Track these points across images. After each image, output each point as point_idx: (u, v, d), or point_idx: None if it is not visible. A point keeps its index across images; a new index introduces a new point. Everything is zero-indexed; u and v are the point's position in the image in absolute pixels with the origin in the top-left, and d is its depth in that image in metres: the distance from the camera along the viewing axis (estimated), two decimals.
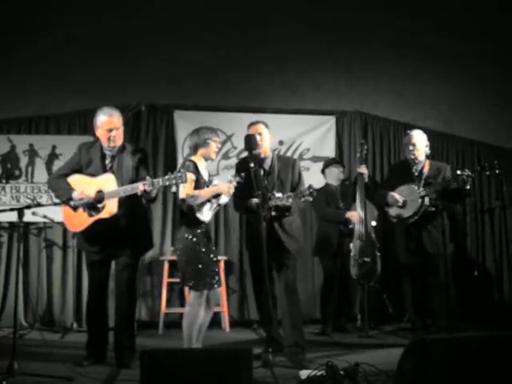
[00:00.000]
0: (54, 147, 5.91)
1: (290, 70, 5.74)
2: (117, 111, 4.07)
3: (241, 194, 4.22)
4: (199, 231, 3.91)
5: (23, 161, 5.89)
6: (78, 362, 4.03)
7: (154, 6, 4.97)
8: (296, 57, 5.56)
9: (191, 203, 3.85)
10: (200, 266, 3.86)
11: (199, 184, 3.93)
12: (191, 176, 3.86)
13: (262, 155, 4.34)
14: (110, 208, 3.88)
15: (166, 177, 3.71)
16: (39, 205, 4.92)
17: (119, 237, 3.99)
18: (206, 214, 3.92)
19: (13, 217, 3.84)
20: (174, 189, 4.01)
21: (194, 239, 3.89)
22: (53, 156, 5.89)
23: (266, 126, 4.40)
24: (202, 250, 3.88)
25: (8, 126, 6.06)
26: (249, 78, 5.87)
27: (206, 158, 4.09)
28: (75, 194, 3.95)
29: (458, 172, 4.61)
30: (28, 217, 4.66)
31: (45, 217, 5.31)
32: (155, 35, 5.22)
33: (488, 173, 4.63)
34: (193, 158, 4.04)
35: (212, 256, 3.95)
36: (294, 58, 5.58)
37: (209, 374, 2.89)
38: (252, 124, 4.40)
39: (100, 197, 3.88)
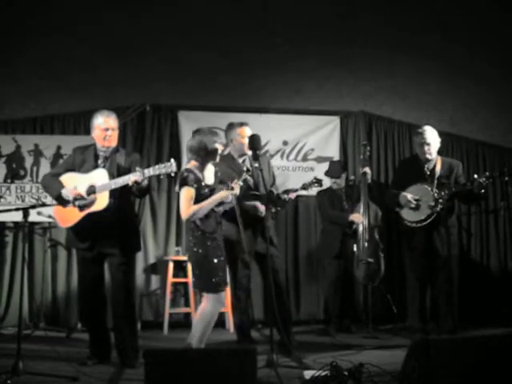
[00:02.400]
0: (58, 147, 5.92)
1: (291, 70, 5.74)
2: (113, 114, 4.15)
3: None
4: (205, 237, 3.82)
5: (28, 161, 5.91)
6: (83, 362, 4.05)
7: (156, 7, 4.97)
8: (297, 57, 5.55)
9: (195, 219, 3.77)
10: (210, 269, 3.79)
11: (201, 193, 3.79)
12: (190, 191, 3.73)
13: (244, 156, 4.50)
14: (101, 201, 3.91)
15: (156, 166, 3.78)
16: (44, 205, 4.93)
17: (109, 233, 3.99)
18: (209, 225, 3.83)
19: (18, 217, 3.85)
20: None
21: (200, 245, 3.79)
22: (58, 156, 5.91)
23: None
24: (211, 253, 3.81)
25: (13, 126, 6.09)
26: (251, 78, 5.87)
27: (215, 160, 3.99)
28: (64, 191, 3.98)
29: (475, 176, 4.53)
30: (33, 217, 4.66)
31: (50, 216, 5.31)
32: (159, 35, 5.23)
33: (507, 178, 4.54)
34: (190, 165, 3.87)
35: (219, 259, 3.89)
36: (295, 58, 5.57)
37: (213, 373, 2.90)
38: (245, 125, 4.50)
39: (91, 191, 3.92)
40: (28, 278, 5.81)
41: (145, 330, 5.59)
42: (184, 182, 3.74)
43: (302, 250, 6.36)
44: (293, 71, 5.78)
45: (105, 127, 4.05)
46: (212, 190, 3.84)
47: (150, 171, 3.78)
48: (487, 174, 4.58)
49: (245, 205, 4.29)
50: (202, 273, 3.79)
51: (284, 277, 6.18)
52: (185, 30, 5.20)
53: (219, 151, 4.02)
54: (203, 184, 3.81)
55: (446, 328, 4.70)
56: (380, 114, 6.61)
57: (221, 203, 3.89)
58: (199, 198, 3.77)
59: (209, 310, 3.81)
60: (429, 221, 4.71)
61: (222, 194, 3.82)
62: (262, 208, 4.33)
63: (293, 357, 4.19)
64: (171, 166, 3.72)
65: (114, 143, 4.12)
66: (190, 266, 4.23)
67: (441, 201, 4.63)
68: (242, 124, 4.52)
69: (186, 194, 3.73)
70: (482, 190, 4.56)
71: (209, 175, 3.96)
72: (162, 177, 3.92)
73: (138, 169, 3.82)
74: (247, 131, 4.46)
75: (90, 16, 4.98)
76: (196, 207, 3.74)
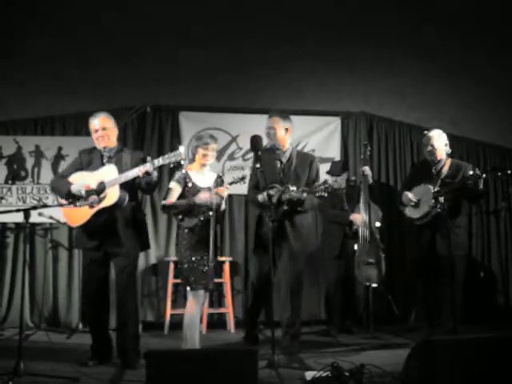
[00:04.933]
0: (59, 148, 5.93)
1: (292, 70, 5.74)
2: (103, 114, 4.20)
3: (255, 188, 4.35)
4: (189, 235, 4.05)
5: (29, 162, 5.91)
6: (84, 363, 4.06)
7: (156, 7, 4.98)
8: (297, 57, 5.56)
9: (169, 213, 4.17)
10: (189, 266, 3.99)
11: (189, 193, 4.09)
12: (176, 187, 4.10)
13: (282, 148, 4.39)
14: (111, 196, 3.93)
15: (166, 155, 3.90)
16: (45, 206, 4.93)
17: (117, 232, 4.02)
18: (188, 221, 4.06)
19: (19, 218, 3.86)
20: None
21: (184, 242, 4.06)
22: (59, 157, 5.92)
23: (283, 118, 4.41)
24: (190, 252, 4.01)
25: (14, 127, 6.09)
26: (252, 79, 5.87)
27: (204, 163, 4.22)
28: (74, 187, 4.00)
29: (470, 172, 4.53)
30: (34, 217, 4.67)
31: (51, 217, 5.33)
32: (159, 35, 5.23)
33: (500, 173, 4.54)
34: (189, 166, 4.20)
35: (199, 260, 4.01)
36: (295, 58, 5.58)
37: (214, 374, 2.90)
38: (269, 116, 4.45)
39: (101, 187, 3.94)
40: (29, 279, 5.81)
41: (146, 331, 5.59)
42: (173, 178, 4.16)
43: None
44: (293, 71, 5.78)
45: (95, 129, 4.14)
46: (199, 191, 4.09)
47: (160, 161, 3.86)
48: (477, 168, 4.63)
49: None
50: (182, 268, 4.03)
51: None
52: (185, 30, 5.21)
53: (204, 152, 4.18)
54: (190, 184, 4.11)
55: (447, 328, 4.68)
56: (381, 114, 6.61)
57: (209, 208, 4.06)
58: (187, 195, 4.09)
59: (187, 307, 4.01)
60: (429, 218, 4.73)
61: (201, 196, 4.04)
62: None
63: (288, 358, 4.17)
64: (180, 154, 3.82)
65: (110, 143, 4.15)
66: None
67: (440, 199, 4.64)
68: (269, 115, 4.46)
69: (172, 189, 4.13)
70: (481, 186, 4.59)
71: (203, 179, 4.19)
72: (171, 165, 3.95)
73: (148, 159, 3.89)
74: (271, 122, 4.39)
75: (90, 16, 4.98)
76: (169, 202, 4.09)
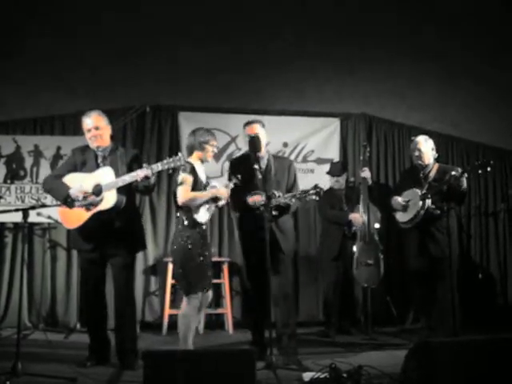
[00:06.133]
0: (58, 148, 5.93)
1: (292, 70, 5.74)
2: (95, 113, 4.13)
3: (239, 194, 4.27)
4: (195, 232, 3.93)
5: (28, 161, 5.91)
6: (82, 363, 4.05)
7: (156, 7, 4.97)
8: (297, 57, 5.55)
9: (190, 205, 3.90)
10: (195, 268, 3.88)
11: (197, 185, 3.97)
12: (188, 178, 3.92)
13: (261, 154, 4.35)
14: (109, 199, 3.90)
15: (165, 161, 3.82)
16: (44, 205, 4.93)
17: (113, 234, 4.00)
18: (202, 216, 3.95)
19: (17, 217, 3.85)
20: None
21: (190, 240, 3.90)
22: (57, 157, 5.91)
23: (263, 125, 4.43)
24: (198, 251, 3.90)
25: (13, 127, 6.09)
26: (252, 79, 5.86)
27: (203, 161, 4.14)
28: (73, 191, 3.93)
29: (453, 173, 4.60)
30: (32, 217, 4.66)
31: (49, 217, 5.33)
32: (159, 35, 5.23)
33: (480, 171, 4.57)
34: (190, 159, 4.07)
35: (205, 258, 3.95)
36: (295, 59, 5.57)
37: (212, 375, 2.90)
38: (248, 123, 4.41)
39: (97, 190, 3.89)
40: (27, 278, 5.80)
41: (144, 331, 5.59)
42: (184, 169, 3.92)
43: (302, 251, 6.34)
44: (293, 71, 5.77)
45: (87, 129, 4.09)
46: (205, 187, 4.02)
47: (159, 166, 3.81)
48: (459, 168, 4.73)
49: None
50: (183, 270, 3.88)
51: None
52: (185, 30, 5.20)
53: (212, 153, 4.14)
54: (199, 178, 3.99)
55: (446, 329, 4.69)
56: (381, 116, 6.61)
57: (217, 199, 4.02)
58: (194, 189, 3.94)
59: (182, 312, 3.95)
60: (418, 219, 4.75)
61: (220, 191, 4.00)
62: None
63: (285, 357, 4.17)
64: (180, 159, 3.79)
65: (103, 142, 4.11)
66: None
67: (428, 202, 4.67)
68: (247, 123, 4.45)
69: (186, 179, 3.91)
70: (464, 185, 4.65)
71: (201, 172, 4.09)
72: (170, 171, 3.93)
73: (145, 165, 3.83)
74: (253, 129, 4.36)
75: (90, 16, 4.97)
76: (195, 194, 3.90)
